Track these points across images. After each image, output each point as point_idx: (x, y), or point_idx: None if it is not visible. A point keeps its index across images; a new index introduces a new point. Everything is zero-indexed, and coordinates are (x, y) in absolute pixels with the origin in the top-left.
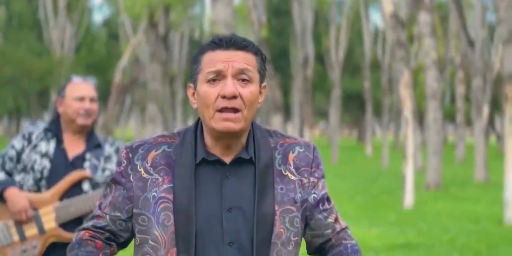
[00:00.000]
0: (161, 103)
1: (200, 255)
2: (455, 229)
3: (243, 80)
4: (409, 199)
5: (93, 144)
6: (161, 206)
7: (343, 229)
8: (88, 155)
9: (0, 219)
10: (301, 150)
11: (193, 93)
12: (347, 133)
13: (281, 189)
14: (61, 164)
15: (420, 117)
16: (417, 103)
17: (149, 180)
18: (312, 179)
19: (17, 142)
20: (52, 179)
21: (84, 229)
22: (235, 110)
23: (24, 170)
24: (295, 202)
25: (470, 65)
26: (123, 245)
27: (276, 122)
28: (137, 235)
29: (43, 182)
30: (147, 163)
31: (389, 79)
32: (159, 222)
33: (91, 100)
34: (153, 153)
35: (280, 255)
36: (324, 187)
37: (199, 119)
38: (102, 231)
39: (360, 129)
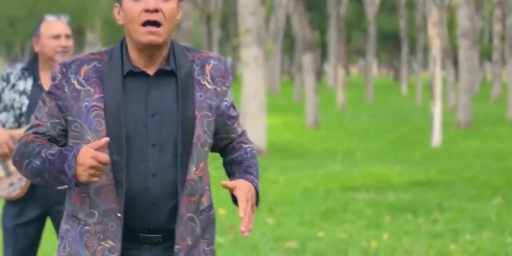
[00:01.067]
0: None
1: (128, 155)
2: (478, 166)
3: None
4: (436, 138)
5: None
6: (93, 113)
7: (243, 132)
8: None
9: None
10: (215, 63)
11: (119, 12)
12: (385, 72)
13: (200, 96)
14: (38, 99)
15: (455, 55)
16: (453, 42)
17: (82, 91)
18: (224, 88)
19: None
20: (31, 114)
21: (26, 135)
22: (157, 24)
23: (5, 109)
24: (211, 108)
25: (506, 2)
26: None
27: (307, 61)
28: (70, 140)
29: (23, 118)
30: (80, 76)
31: (424, 18)
32: (91, 128)
33: (67, 37)
34: (85, 68)
35: (199, 154)
36: (231, 96)
37: (124, 38)
38: (43, 135)
39: (397, 68)
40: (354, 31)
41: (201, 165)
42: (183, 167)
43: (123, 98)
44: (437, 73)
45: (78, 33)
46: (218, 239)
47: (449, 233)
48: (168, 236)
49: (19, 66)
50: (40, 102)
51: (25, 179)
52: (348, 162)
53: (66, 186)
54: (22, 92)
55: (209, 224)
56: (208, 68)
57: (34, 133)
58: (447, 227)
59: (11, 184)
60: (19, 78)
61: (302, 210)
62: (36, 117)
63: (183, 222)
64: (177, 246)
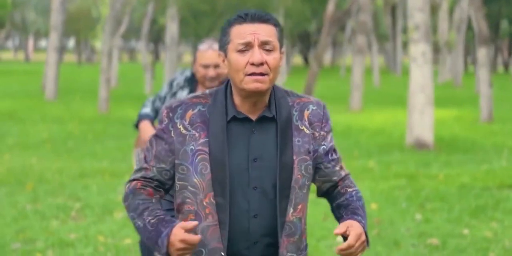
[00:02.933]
0: (381, 32)
1: (231, 197)
2: None
3: (267, 49)
4: None
5: None
6: (198, 157)
7: (346, 175)
8: None
9: (139, 145)
10: (314, 108)
11: (223, 60)
12: None
13: (298, 141)
14: None
15: None
16: None
17: (187, 135)
18: (322, 132)
19: (166, 86)
20: None
21: (135, 179)
22: (262, 74)
23: None
24: (309, 152)
25: None
26: (168, 190)
27: (481, 55)
28: (177, 182)
29: None
30: (185, 121)
31: None
32: (197, 171)
33: (215, 66)
34: (190, 112)
35: (297, 197)
36: (331, 140)
37: (228, 81)
38: (151, 180)
39: None
40: None
41: (299, 207)
42: (282, 209)
43: (227, 143)
44: None
45: None
46: None
47: None
48: None
49: (186, 74)
50: (148, 144)
51: None
52: None
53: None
54: None
55: None
56: (306, 113)
57: (143, 177)
58: None
59: None
60: (180, 87)
61: (452, 206)
62: (145, 159)
63: None
64: None
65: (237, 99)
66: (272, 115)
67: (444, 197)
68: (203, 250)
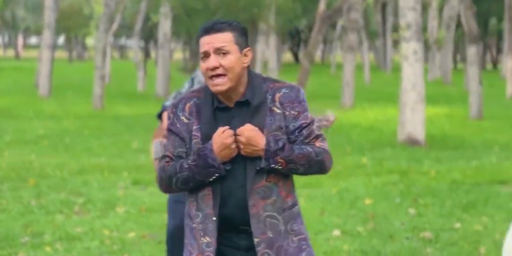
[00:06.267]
0: (371, 30)
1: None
2: None
3: (223, 53)
4: None
5: None
6: (194, 141)
7: (317, 146)
8: None
9: (158, 136)
10: (286, 91)
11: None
12: None
13: (270, 120)
14: None
15: None
16: None
17: (188, 123)
18: (293, 112)
19: (187, 83)
20: None
21: (161, 164)
22: (221, 75)
23: None
24: (281, 128)
25: None
26: None
27: (470, 53)
28: None
29: None
30: (186, 113)
31: None
32: (193, 151)
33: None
34: (188, 105)
35: None
36: (304, 119)
37: None
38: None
39: None
40: None
41: (271, 174)
42: (251, 177)
43: (215, 128)
44: None
45: (251, 24)
46: (358, 227)
47: None
48: None
49: None
50: (164, 139)
51: None
52: (503, 155)
53: (217, 175)
54: None
55: (294, 218)
56: (278, 95)
57: (167, 161)
58: None
59: None
60: (199, 83)
61: (444, 201)
62: (166, 149)
63: (260, 220)
64: (256, 239)
65: None
66: (245, 99)
67: (436, 192)
68: (200, 214)
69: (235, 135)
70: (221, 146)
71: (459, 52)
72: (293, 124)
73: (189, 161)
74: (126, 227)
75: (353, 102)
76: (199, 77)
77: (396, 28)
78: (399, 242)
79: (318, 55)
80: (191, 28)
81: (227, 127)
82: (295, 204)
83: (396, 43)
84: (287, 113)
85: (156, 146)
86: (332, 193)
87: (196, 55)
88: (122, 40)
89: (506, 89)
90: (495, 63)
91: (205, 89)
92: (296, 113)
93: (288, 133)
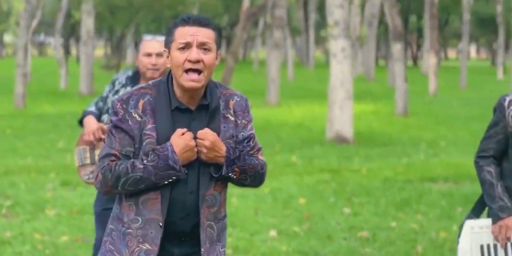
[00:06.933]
0: (293, 27)
1: None
2: None
3: (205, 49)
4: None
5: None
6: (146, 140)
7: (260, 159)
8: None
9: (81, 143)
10: (238, 99)
11: (168, 56)
12: (485, 56)
13: (224, 127)
14: None
15: None
16: None
17: (141, 121)
18: (244, 121)
19: (107, 86)
20: None
21: (105, 164)
22: (198, 71)
23: (107, 111)
24: (233, 137)
25: None
26: None
27: (396, 50)
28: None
29: None
30: (139, 110)
31: None
32: (144, 152)
33: (157, 55)
34: (141, 101)
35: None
36: (251, 129)
37: (169, 73)
38: (120, 159)
39: (494, 53)
40: (451, 15)
41: (219, 182)
42: (204, 184)
43: (173, 130)
44: None
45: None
46: (294, 227)
47: None
48: (192, 237)
49: (127, 73)
50: (109, 133)
51: None
52: (431, 152)
53: (174, 178)
54: None
55: (223, 230)
56: (232, 103)
57: (113, 160)
58: None
59: (91, 172)
60: (123, 86)
61: (378, 200)
62: (109, 147)
63: (204, 228)
64: (202, 249)
65: (178, 91)
66: (207, 103)
67: (369, 191)
68: (140, 219)
69: (195, 138)
70: (184, 148)
71: (380, 49)
72: (242, 133)
73: (145, 161)
74: (58, 231)
75: (278, 99)
76: (120, 78)
77: (318, 25)
78: (337, 242)
79: (240, 52)
80: (114, 25)
81: (186, 129)
82: (226, 215)
83: (318, 40)
84: (238, 121)
85: (79, 153)
86: (264, 192)
87: (118, 53)
88: (41, 37)
89: (428, 85)
90: (415, 60)
91: (157, 86)
92: (246, 122)
93: (236, 143)
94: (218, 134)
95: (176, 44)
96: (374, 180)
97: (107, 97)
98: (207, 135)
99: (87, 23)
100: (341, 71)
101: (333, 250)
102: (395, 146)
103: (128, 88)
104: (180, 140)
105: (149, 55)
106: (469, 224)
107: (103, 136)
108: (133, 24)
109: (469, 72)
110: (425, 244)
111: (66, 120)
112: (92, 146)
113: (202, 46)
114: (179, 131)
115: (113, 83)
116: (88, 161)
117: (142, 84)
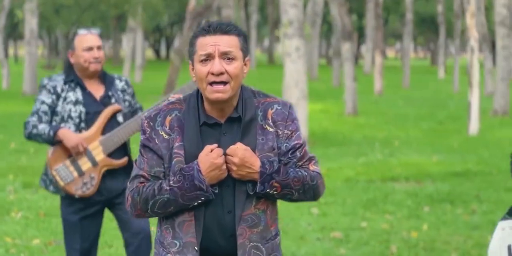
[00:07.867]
0: None
1: None
2: None
3: (229, 58)
4: (474, 126)
5: (109, 83)
6: (175, 160)
7: (311, 170)
8: (110, 92)
9: (57, 162)
10: (279, 108)
11: (192, 69)
12: (423, 55)
13: (262, 139)
14: (93, 105)
15: (493, 42)
16: (491, 27)
17: (169, 139)
18: (286, 131)
19: (46, 97)
20: (89, 120)
21: (134, 186)
22: (223, 83)
23: (63, 120)
24: (273, 149)
25: None
26: None
27: (345, 49)
28: None
29: (83, 124)
30: (166, 127)
31: (461, 3)
32: (173, 172)
33: (98, 48)
34: (168, 118)
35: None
36: (297, 139)
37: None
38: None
39: (434, 51)
40: (391, 15)
41: (261, 200)
42: (240, 203)
43: (201, 146)
44: (475, 63)
45: (119, 20)
46: None
47: (487, 224)
48: None
49: (59, 78)
50: (139, 155)
51: (96, 178)
52: (387, 151)
53: (203, 199)
54: (76, 102)
55: (275, 250)
56: (270, 112)
57: (142, 182)
58: (485, 218)
59: (84, 184)
60: (68, 91)
61: (344, 200)
62: (139, 167)
63: (246, 251)
64: None
65: (207, 105)
66: (238, 115)
67: (332, 191)
68: (177, 243)
69: (225, 155)
70: (210, 166)
71: (321, 48)
72: (285, 144)
73: (171, 182)
74: (29, 234)
75: None
76: (53, 84)
77: (259, 25)
78: (311, 243)
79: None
80: (58, 24)
81: (215, 145)
82: (277, 234)
83: (259, 39)
84: (279, 132)
85: (61, 172)
86: None
87: (57, 53)
88: None
89: (373, 84)
90: (356, 59)
91: (187, 100)
92: (289, 132)
93: (280, 155)
94: (255, 148)
95: (198, 56)
96: (336, 180)
97: (54, 106)
98: (236, 151)
99: (31, 23)
100: (295, 71)
101: (308, 251)
102: (350, 146)
103: (78, 90)
104: (206, 158)
105: (90, 49)
106: (501, 225)
107: (86, 145)
108: (82, 23)
109: (409, 71)
110: (399, 244)
111: (13, 120)
112: (71, 158)
113: (225, 55)
114: (208, 148)
115: (55, 92)
116: (75, 174)
117: (172, 99)
